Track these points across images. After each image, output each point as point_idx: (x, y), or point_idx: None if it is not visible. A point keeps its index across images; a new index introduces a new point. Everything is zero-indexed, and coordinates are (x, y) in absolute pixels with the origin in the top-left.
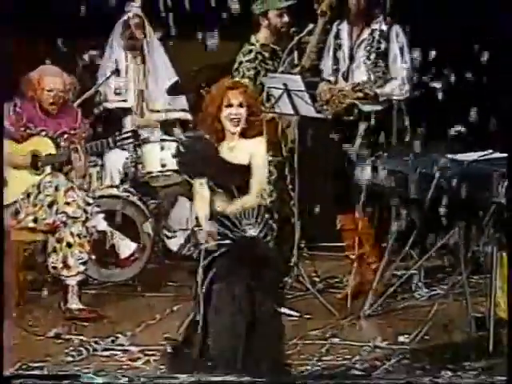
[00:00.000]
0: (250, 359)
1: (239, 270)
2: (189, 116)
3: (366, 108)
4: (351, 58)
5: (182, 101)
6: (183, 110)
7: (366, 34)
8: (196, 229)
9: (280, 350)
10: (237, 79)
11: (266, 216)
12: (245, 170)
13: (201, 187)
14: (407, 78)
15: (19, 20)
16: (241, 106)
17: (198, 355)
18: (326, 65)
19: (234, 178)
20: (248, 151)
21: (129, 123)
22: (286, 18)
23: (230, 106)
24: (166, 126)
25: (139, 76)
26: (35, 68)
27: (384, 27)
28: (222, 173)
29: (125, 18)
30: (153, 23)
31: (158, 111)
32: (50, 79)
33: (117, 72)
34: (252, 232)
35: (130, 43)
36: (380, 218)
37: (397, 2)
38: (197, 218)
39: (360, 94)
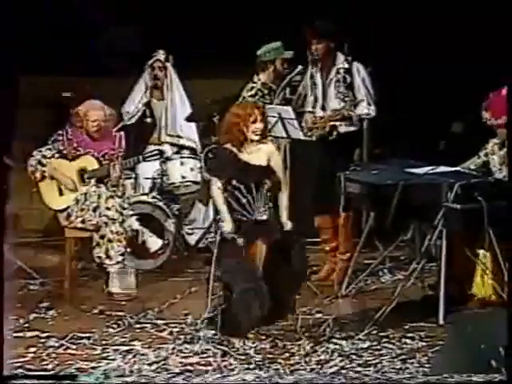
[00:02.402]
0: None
1: None
2: (191, 143)
3: (343, 129)
4: (325, 93)
5: (191, 130)
6: (189, 139)
7: (333, 72)
8: (218, 217)
9: None
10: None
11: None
12: (263, 169)
13: (219, 190)
14: (371, 100)
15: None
16: (261, 120)
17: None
18: (308, 100)
19: (254, 176)
20: (265, 153)
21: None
22: (286, 65)
23: (255, 121)
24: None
25: (160, 109)
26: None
27: (346, 65)
28: (244, 173)
29: (151, 61)
30: (175, 64)
31: (172, 135)
32: (94, 112)
33: (147, 105)
34: (262, 217)
35: (154, 82)
36: (353, 218)
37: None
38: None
39: (337, 118)
